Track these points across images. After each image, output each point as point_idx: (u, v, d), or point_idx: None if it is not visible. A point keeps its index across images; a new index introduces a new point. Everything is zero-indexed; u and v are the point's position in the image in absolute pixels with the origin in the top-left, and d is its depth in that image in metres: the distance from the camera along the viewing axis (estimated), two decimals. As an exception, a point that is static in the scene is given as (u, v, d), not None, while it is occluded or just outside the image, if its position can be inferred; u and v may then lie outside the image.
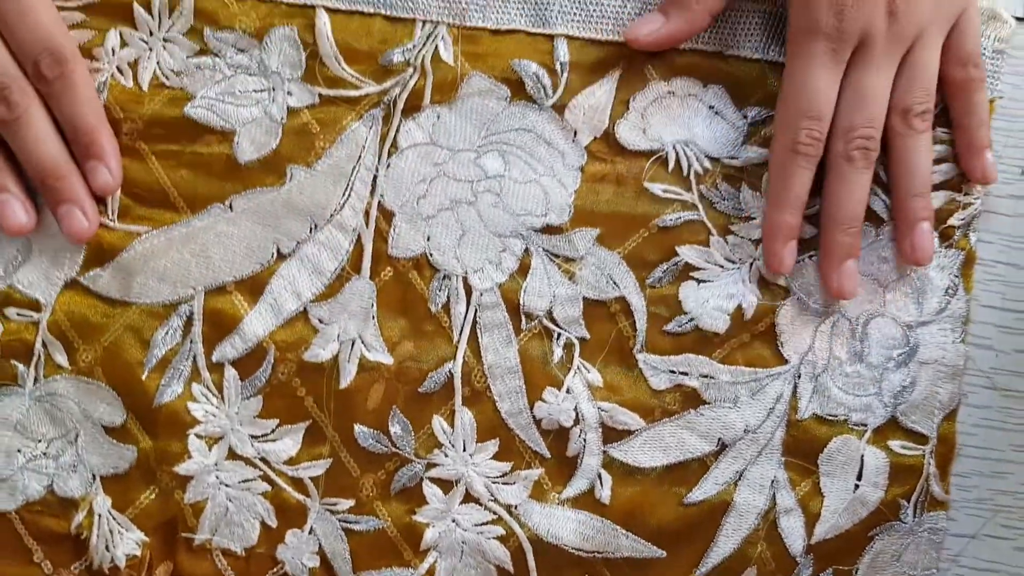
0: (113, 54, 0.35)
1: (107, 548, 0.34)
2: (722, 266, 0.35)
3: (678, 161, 0.35)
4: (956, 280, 0.36)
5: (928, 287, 0.35)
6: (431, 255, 0.35)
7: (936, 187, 0.35)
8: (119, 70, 0.35)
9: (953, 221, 0.36)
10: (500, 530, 0.35)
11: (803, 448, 0.35)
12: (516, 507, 0.35)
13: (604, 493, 0.35)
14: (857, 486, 0.35)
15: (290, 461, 0.35)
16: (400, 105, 0.35)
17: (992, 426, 0.36)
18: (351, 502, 0.35)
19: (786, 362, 0.35)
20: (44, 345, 0.35)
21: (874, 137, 0.34)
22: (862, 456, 0.35)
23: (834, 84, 0.33)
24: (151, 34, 0.35)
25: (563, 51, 0.35)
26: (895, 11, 0.33)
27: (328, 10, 0.35)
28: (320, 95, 0.35)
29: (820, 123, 0.33)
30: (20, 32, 0.32)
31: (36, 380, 0.35)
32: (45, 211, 0.34)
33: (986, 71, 0.35)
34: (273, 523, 0.35)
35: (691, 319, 0.35)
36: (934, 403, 0.35)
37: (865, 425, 0.35)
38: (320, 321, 0.35)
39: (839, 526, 0.35)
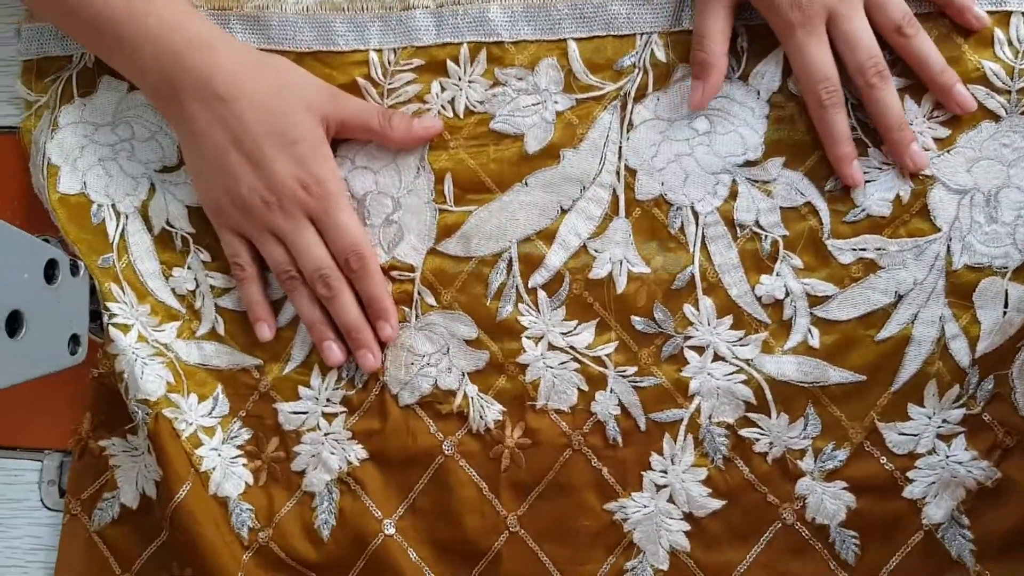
0: (437, 97, 0.52)
1: (480, 417, 0.51)
2: (880, 168, 0.48)
3: (836, 100, 0.49)
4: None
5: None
6: (666, 195, 0.50)
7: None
8: (442, 107, 0.52)
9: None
10: (743, 376, 0.49)
11: (960, 290, 0.47)
12: (752, 360, 0.49)
13: (814, 342, 0.49)
14: (1005, 312, 0.47)
15: (589, 346, 0.51)
16: (632, 95, 0.51)
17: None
18: (635, 368, 0.50)
19: (939, 230, 0.48)
20: (419, 293, 0.52)
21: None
22: (1006, 291, 0.47)
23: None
24: (460, 79, 0.52)
25: (742, 37, 0.50)
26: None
27: (575, 39, 0.51)
28: (576, 99, 0.51)
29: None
30: (334, 237, 0.49)
31: (417, 316, 0.52)
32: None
33: None
34: (586, 388, 0.50)
35: (863, 210, 0.48)
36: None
37: (1006, 268, 0.47)
38: (596, 251, 0.51)
39: (995, 343, 0.47)
